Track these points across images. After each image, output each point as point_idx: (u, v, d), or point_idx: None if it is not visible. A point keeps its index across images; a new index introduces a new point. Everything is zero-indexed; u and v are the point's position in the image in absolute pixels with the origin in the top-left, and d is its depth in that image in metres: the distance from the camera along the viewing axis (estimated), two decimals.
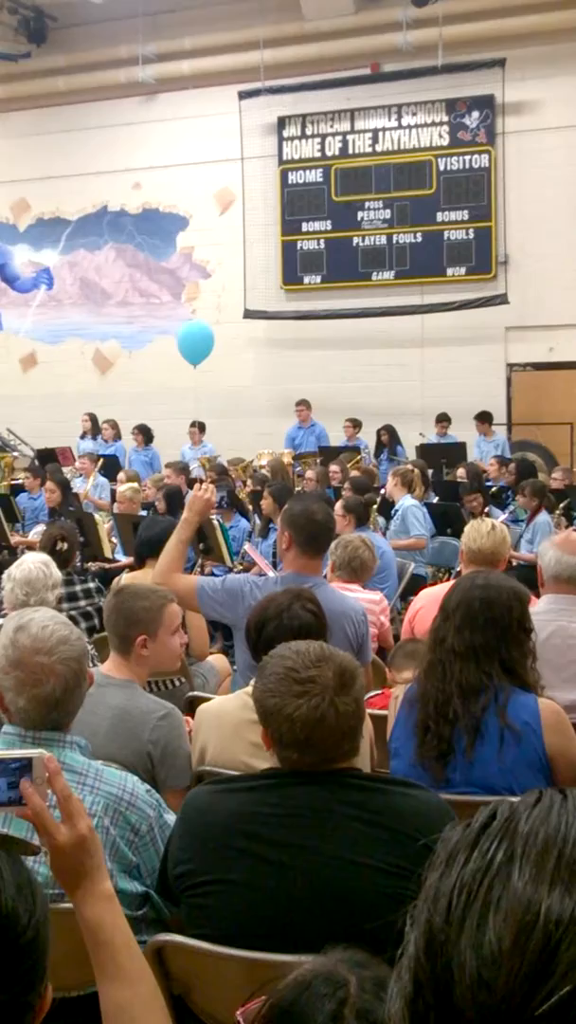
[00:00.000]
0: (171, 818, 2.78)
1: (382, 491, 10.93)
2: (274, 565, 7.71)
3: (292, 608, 3.42)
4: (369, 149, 16.96)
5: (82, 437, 16.58)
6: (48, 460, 13.98)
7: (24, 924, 1.44)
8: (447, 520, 10.00)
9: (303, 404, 16.08)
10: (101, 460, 13.54)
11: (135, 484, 11.00)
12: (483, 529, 4.88)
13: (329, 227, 17.19)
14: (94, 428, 16.62)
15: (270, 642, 3.17)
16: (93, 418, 16.69)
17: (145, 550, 5.94)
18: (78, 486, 12.55)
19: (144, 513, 10.04)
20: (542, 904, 0.69)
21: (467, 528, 5.02)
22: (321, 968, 1.34)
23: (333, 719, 2.39)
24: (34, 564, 4.85)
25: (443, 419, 15.47)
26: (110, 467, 13.68)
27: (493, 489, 11.35)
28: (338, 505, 8.05)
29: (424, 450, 14.45)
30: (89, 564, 9.05)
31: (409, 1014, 0.73)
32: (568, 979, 0.66)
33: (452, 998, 0.70)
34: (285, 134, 17.38)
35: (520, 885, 0.70)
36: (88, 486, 12.56)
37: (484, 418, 15.21)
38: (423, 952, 0.73)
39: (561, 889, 0.69)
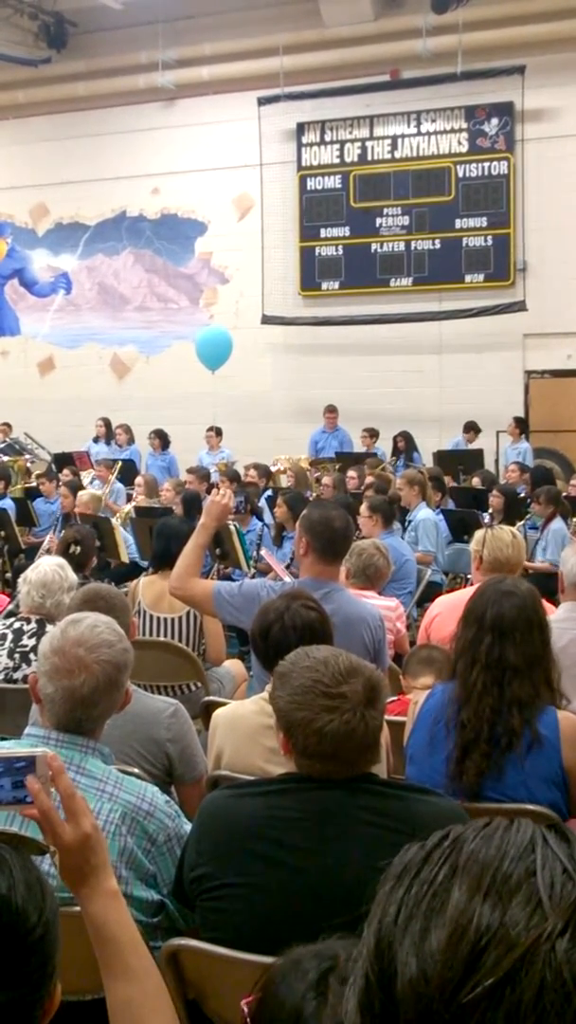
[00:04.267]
0: (189, 828, 2.78)
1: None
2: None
3: (292, 608, 3.42)
4: (388, 155, 16.96)
5: (95, 441, 16.61)
6: (65, 464, 14.00)
7: (33, 922, 1.44)
8: (464, 527, 9.97)
9: (331, 410, 16.11)
10: (119, 464, 13.56)
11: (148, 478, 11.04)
12: (506, 538, 4.87)
13: (347, 233, 17.19)
14: (108, 432, 16.65)
15: (278, 646, 3.16)
16: (107, 422, 16.72)
17: (164, 556, 5.87)
18: (95, 491, 12.55)
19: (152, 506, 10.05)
20: (474, 915, 0.80)
21: (486, 536, 4.99)
22: (314, 948, 1.43)
23: (362, 733, 2.39)
24: (50, 567, 4.87)
25: (471, 428, 15.37)
26: (126, 472, 13.70)
27: (520, 496, 11.26)
28: (363, 507, 8.03)
29: (441, 457, 14.42)
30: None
31: (360, 1007, 0.85)
32: (492, 973, 0.77)
33: (395, 989, 0.81)
34: (304, 140, 17.40)
35: (457, 898, 0.82)
36: (105, 491, 12.56)
37: (516, 423, 15.12)
38: (372, 951, 0.85)
39: (492, 902, 0.80)
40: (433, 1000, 0.78)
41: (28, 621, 4.76)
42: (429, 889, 0.84)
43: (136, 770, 3.12)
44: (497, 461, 15.12)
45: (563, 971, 0.76)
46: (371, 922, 0.88)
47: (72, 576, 4.93)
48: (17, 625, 4.76)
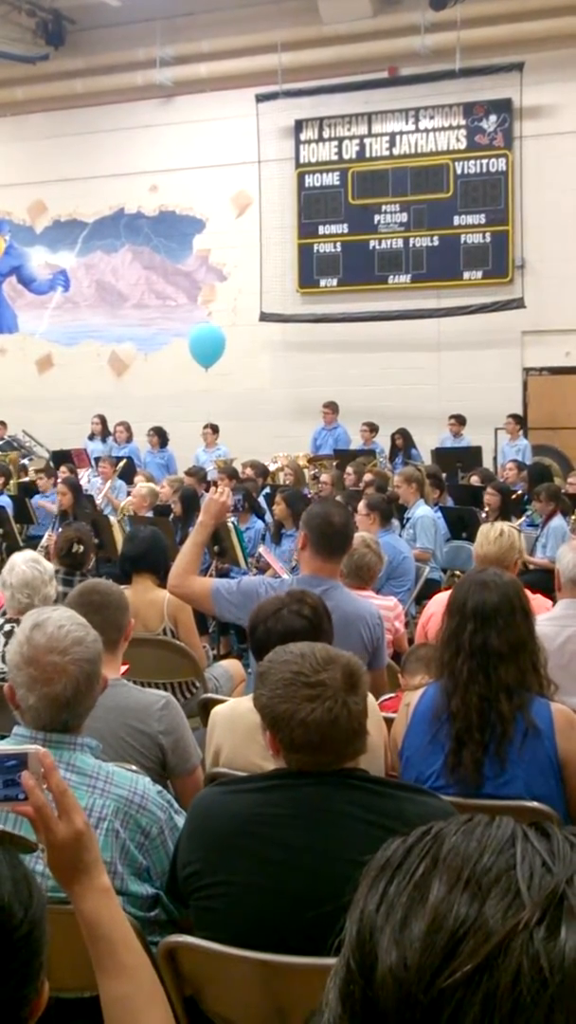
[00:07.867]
0: (181, 820, 2.77)
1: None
2: (292, 571, 7.69)
3: (280, 613, 3.39)
4: (386, 152, 16.95)
5: (90, 438, 16.57)
6: (63, 462, 14.00)
7: (19, 919, 1.44)
8: (462, 524, 9.97)
9: (329, 406, 16.09)
10: (123, 462, 13.54)
11: (153, 485, 11.02)
12: (491, 534, 4.90)
13: (346, 230, 17.19)
14: (104, 430, 16.62)
15: (260, 645, 3.18)
16: (103, 420, 16.69)
17: (129, 566, 5.82)
18: (95, 487, 12.57)
19: (150, 515, 10.05)
20: (454, 905, 0.83)
21: (479, 532, 5.06)
22: None
23: (345, 720, 2.40)
24: (25, 565, 4.77)
25: (455, 419, 15.36)
26: (126, 469, 13.69)
27: (517, 493, 11.25)
28: (361, 504, 8.01)
29: (439, 454, 14.41)
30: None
31: (340, 995, 0.86)
32: (470, 960, 0.80)
33: (375, 976, 0.83)
34: (302, 137, 17.39)
35: (437, 890, 0.84)
36: (107, 488, 12.56)
37: (514, 420, 15.09)
38: (354, 940, 0.87)
39: (471, 894, 0.83)
40: (412, 985, 0.81)
41: (18, 623, 4.73)
42: (410, 881, 0.87)
43: (133, 767, 3.11)
44: (496, 459, 15.10)
45: (539, 958, 0.79)
46: (353, 912, 0.90)
47: (49, 566, 4.87)
48: (8, 628, 4.72)
